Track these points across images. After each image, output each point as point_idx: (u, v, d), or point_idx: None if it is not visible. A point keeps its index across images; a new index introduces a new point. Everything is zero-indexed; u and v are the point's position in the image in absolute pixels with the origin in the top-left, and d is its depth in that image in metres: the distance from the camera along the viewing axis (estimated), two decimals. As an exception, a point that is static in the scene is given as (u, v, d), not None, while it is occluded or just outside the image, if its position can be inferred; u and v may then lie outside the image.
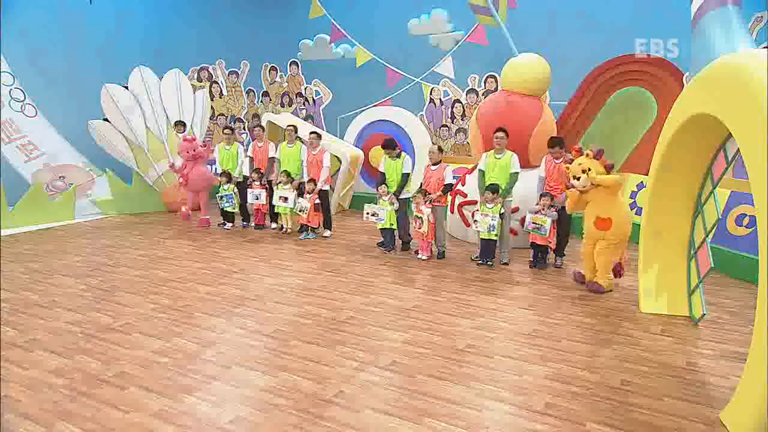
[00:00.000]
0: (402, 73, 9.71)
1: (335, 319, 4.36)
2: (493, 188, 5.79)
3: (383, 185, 6.37)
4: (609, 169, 4.93)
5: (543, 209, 5.65)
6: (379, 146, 7.14)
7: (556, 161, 5.77)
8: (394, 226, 6.47)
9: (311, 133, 7.33)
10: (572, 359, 3.65)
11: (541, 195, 5.73)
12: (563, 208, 5.64)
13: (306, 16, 10.19)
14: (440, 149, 6.32)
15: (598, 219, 4.93)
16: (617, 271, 5.14)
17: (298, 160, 7.24)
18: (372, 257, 6.35)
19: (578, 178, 4.97)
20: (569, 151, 5.39)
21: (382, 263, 6.11)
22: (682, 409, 3.02)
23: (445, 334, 4.08)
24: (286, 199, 7.11)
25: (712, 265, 3.92)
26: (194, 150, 7.67)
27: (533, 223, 5.67)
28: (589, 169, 4.88)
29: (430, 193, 6.09)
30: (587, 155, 4.96)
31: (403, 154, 6.48)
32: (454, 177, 6.61)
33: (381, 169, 6.56)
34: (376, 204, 6.41)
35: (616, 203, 4.93)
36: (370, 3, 9.96)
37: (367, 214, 6.45)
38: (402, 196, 6.38)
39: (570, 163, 5.14)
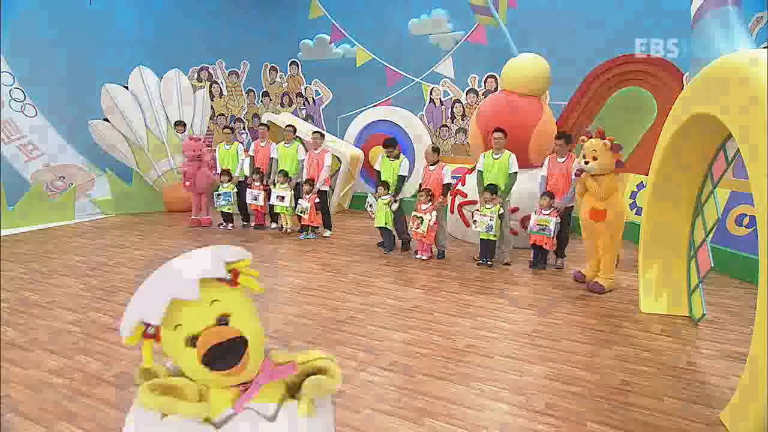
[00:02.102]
0: (402, 73, 9.71)
1: (335, 319, 4.36)
2: (492, 188, 5.79)
3: (381, 186, 6.36)
4: (618, 166, 4.87)
5: (543, 209, 5.64)
6: (380, 146, 7.11)
7: (560, 160, 5.73)
8: (390, 227, 6.46)
9: (314, 132, 7.35)
10: (572, 359, 3.65)
11: (541, 195, 5.72)
12: (565, 208, 5.64)
13: (306, 16, 10.20)
14: (435, 149, 6.25)
15: (593, 210, 4.96)
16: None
17: (295, 160, 7.26)
18: (372, 257, 6.35)
19: (587, 161, 4.87)
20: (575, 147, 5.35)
21: (382, 263, 6.11)
22: (682, 409, 3.02)
23: (445, 334, 4.08)
24: (282, 198, 7.13)
25: (712, 265, 3.92)
26: (200, 150, 7.71)
27: (537, 224, 5.65)
28: (596, 159, 4.81)
29: (432, 193, 6.09)
30: (605, 144, 4.79)
31: (401, 156, 6.48)
32: (454, 177, 6.62)
33: (377, 167, 6.57)
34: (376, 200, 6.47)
35: (612, 196, 4.92)
36: (370, 3, 9.96)
37: (368, 204, 6.65)
38: (397, 197, 6.38)
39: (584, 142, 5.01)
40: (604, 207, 4.89)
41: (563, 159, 5.70)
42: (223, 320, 1.34)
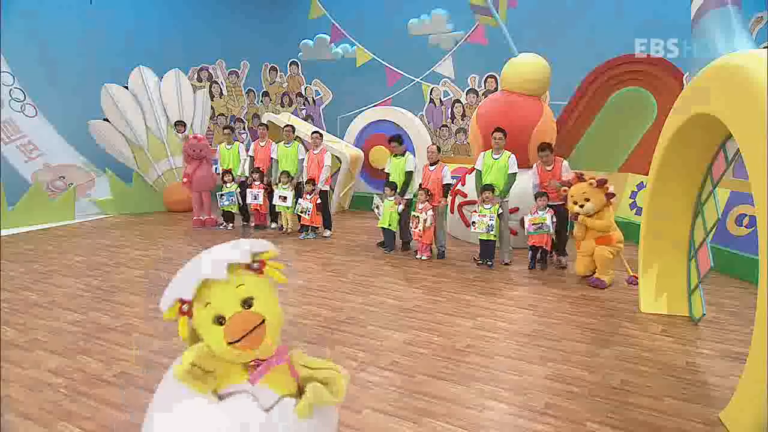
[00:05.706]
0: (402, 73, 9.71)
1: (335, 319, 4.36)
2: (490, 188, 5.79)
3: (387, 187, 6.36)
4: (610, 197, 5.17)
5: (539, 209, 5.66)
6: (380, 146, 7.12)
7: (547, 168, 5.82)
8: (394, 227, 6.46)
9: (314, 132, 7.36)
10: (572, 359, 3.65)
11: (536, 195, 5.75)
12: (563, 206, 5.65)
13: (306, 16, 10.20)
14: (439, 149, 6.33)
15: (600, 238, 5.25)
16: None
17: (295, 160, 7.26)
18: (372, 257, 6.35)
19: (582, 205, 5.23)
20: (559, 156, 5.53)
21: (382, 263, 6.11)
22: (682, 409, 3.02)
23: (445, 334, 4.08)
24: (285, 198, 7.14)
25: (712, 265, 3.92)
26: (200, 150, 7.70)
27: (533, 224, 5.66)
28: (588, 200, 5.18)
29: (431, 193, 6.09)
30: (590, 184, 5.18)
31: (407, 153, 6.51)
32: (454, 177, 6.63)
33: (387, 170, 6.60)
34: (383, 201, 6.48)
35: (612, 225, 5.27)
36: (370, 3, 9.96)
37: (374, 205, 6.61)
38: (405, 196, 6.38)
39: (568, 188, 5.38)
40: (609, 233, 5.23)
41: (550, 167, 5.80)
42: (247, 303, 1.52)
